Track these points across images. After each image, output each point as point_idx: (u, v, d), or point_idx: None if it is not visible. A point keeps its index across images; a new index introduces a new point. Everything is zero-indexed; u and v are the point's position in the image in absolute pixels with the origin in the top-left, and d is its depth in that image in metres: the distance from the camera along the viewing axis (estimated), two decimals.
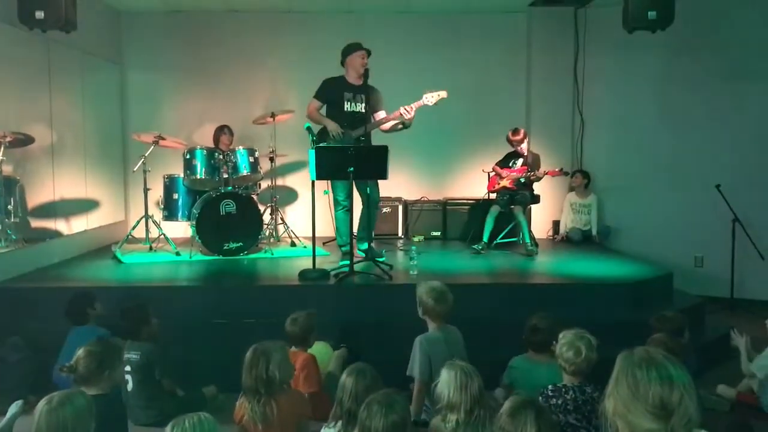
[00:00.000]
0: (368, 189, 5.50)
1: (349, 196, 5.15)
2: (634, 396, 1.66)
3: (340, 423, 2.69)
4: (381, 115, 5.61)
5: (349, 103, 5.52)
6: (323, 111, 5.63)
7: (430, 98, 5.33)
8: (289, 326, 3.75)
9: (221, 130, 6.83)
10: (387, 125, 5.59)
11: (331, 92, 5.56)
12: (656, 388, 1.64)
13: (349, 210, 5.20)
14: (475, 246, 6.24)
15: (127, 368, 3.80)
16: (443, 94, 5.36)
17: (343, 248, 5.60)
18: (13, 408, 3.43)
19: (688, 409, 1.63)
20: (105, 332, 3.92)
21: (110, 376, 2.94)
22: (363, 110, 5.50)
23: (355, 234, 5.58)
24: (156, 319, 3.95)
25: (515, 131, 6.35)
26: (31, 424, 2.38)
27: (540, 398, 2.94)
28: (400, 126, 5.55)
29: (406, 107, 5.34)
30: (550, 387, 2.99)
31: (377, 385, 2.71)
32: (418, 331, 3.70)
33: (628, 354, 1.75)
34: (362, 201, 5.62)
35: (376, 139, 5.73)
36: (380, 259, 5.49)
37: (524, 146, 6.36)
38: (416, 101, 5.35)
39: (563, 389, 2.96)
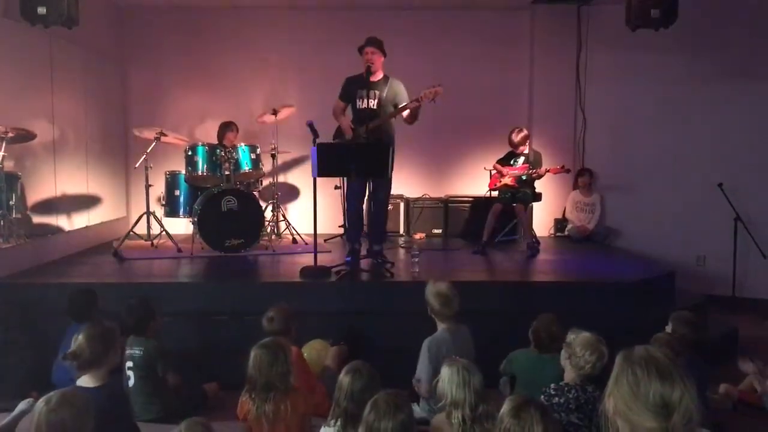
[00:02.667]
0: (371, 186, 5.49)
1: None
2: (634, 395, 1.65)
3: (339, 421, 2.69)
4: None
5: (361, 100, 5.45)
6: (349, 110, 5.58)
7: (429, 95, 5.20)
8: (266, 325, 3.62)
9: (228, 126, 6.77)
10: (406, 117, 5.45)
11: (349, 90, 5.54)
12: (656, 387, 1.63)
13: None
14: (476, 244, 6.23)
15: (129, 364, 3.81)
16: (440, 90, 5.20)
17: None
18: (23, 405, 3.42)
19: (689, 407, 1.62)
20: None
21: (110, 358, 2.94)
22: (374, 107, 5.39)
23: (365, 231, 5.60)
24: (160, 316, 3.95)
25: (517, 131, 6.26)
26: (30, 423, 2.37)
27: (542, 397, 2.93)
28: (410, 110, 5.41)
29: (411, 103, 5.29)
30: (552, 386, 2.98)
31: (374, 383, 2.70)
32: (419, 328, 3.70)
33: (628, 353, 1.74)
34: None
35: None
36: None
37: (524, 147, 6.31)
38: (415, 98, 5.26)
39: (565, 388, 2.95)
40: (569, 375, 3.01)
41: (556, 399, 2.92)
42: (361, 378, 2.70)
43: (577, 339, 3.00)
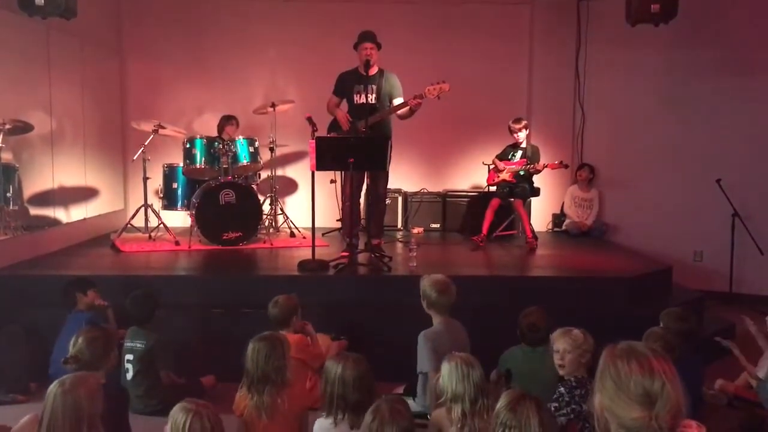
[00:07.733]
0: (369, 180, 5.48)
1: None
2: (618, 387, 1.69)
3: (340, 414, 2.66)
4: (396, 103, 5.46)
5: (358, 95, 5.44)
6: (344, 105, 5.56)
7: (433, 91, 5.21)
8: (270, 309, 3.76)
9: (228, 120, 6.69)
10: (402, 112, 5.43)
11: (344, 85, 5.51)
12: (637, 378, 1.66)
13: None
14: (474, 238, 6.23)
15: (129, 357, 3.81)
16: (445, 87, 5.22)
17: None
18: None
19: (671, 396, 1.65)
20: (91, 316, 3.94)
21: (108, 360, 2.96)
22: (373, 101, 5.38)
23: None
24: (162, 310, 3.94)
25: (517, 120, 6.29)
26: (42, 407, 2.36)
27: (563, 389, 2.98)
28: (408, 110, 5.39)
29: (412, 100, 5.21)
30: (572, 379, 3.01)
31: (367, 370, 2.68)
32: (417, 322, 3.70)
33: (612, 348, 1.78)
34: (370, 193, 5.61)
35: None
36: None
37: (522, 135, 6.28)
38: (418, 93, 5.22)
39: (583, 380, 2.99)
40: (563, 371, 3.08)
41: (578, 390, 2.96)
42: (356, 367, 2.66)
43: (563, 338, 3.07)
